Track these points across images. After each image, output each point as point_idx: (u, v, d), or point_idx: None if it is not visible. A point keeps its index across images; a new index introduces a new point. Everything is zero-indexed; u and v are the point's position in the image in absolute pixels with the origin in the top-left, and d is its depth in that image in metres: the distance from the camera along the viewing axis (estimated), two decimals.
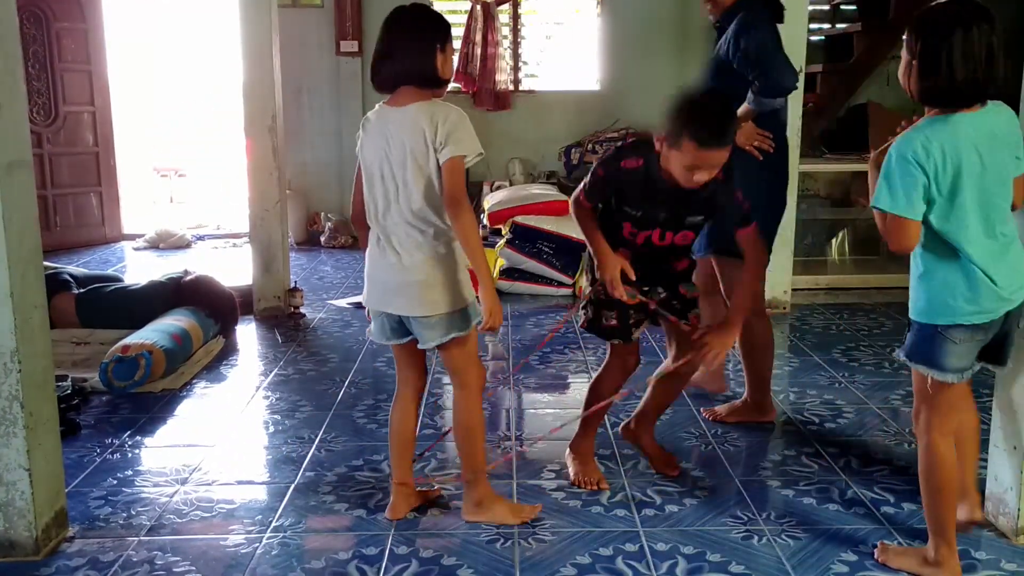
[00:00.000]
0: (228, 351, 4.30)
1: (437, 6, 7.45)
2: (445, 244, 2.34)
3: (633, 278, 2.53)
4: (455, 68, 7.28)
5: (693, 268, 2.73)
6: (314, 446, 3.10)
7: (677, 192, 2.44)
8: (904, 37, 2.06)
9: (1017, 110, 2.20)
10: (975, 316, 2.05)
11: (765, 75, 2.99)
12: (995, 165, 2.02)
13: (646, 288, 2.61)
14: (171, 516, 2.59)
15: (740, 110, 3.03)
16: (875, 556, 2.31)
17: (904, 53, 2.06)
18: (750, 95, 3.05)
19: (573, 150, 7.39)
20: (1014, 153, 2.07)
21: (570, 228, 5.46)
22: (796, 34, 4.54)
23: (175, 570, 2.29)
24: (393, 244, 2.34)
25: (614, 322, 2.63)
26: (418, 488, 2.66)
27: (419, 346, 2.43)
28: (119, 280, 4.88)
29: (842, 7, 7.20)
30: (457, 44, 7.36)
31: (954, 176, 1.98)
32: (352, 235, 7.09)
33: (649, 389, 2.79)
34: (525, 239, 5.54)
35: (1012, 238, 2.08)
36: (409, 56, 2.29)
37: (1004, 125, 2.06)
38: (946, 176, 1.98)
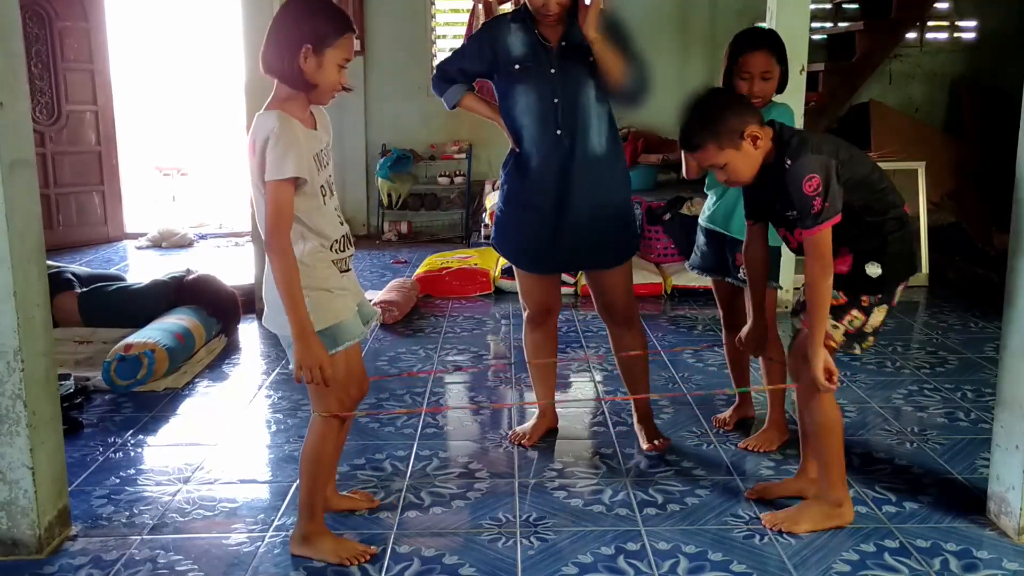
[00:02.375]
0: (230, 350, 4.31)
1: (439, 3, 7.47)
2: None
3: None
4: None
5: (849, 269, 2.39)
6: None
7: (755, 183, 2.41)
8: (766, 57, 2.77)
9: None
10: None
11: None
12: None
13: None
14: (173, 515, 2.59)
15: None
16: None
17: (774, 66, 2.79)
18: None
19: None
20: None
21: None
22: (798, 33, 4.52)
23: (177, 569, 2.30)
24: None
25: None
26: (348, 495, 2.64)
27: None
28: (121, 279, 4.88)
29: (844, 6, 7.20)
30: (459, 42, 7.32)
31: None
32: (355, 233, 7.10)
33: None
34: None
35: None
36: (271, 47, 2.08)
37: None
38: None
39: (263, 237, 2.12)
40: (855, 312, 2.34)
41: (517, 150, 2.87)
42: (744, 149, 2.28)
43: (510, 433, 3.14)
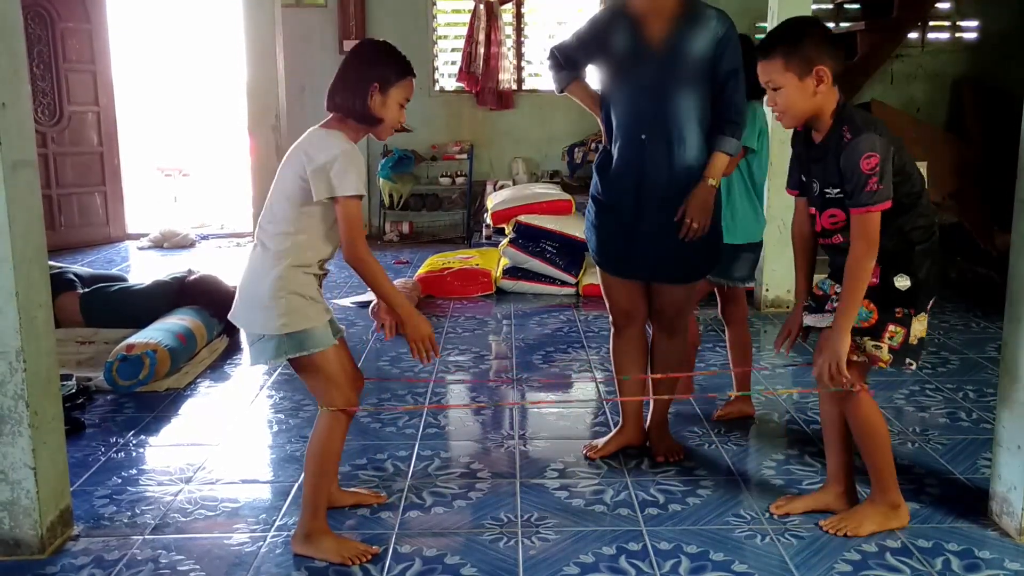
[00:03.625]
0: (232, 350, 4.31)
1: (440, 4, 7.48)
2: (281, 266, 2.26)
3: None
4: (463, 69, 7.29)
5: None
6: None
7: (808, 151, 2.37)
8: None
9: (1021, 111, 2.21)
10: None
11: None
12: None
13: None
14: (175, 515, 2.59)
15: (720, 162, 2.67)
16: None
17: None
18: (731, 142, 2.69)
19: (576, 149, 7.40)
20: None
21: (573, 227, 5.46)
22: None
23: (179, 569, 2.30)
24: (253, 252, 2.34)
25: None
26: (354, 491, 2.68)
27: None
28: (123, 279, 4.89)
29: (846, 6, 7.19)
30: (460, 43, 7.37)
31: None
32: None
33: None
34: (528, 238, 5.55)
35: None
36: (342, 86, 2.28)
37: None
38: None
39: (273, 232, 2.28)
40: (892, 327, 2.27)
41: (608, 147, 2.79)
42: (806, 84, 2.23)
43: (584, 446, 3.01)
